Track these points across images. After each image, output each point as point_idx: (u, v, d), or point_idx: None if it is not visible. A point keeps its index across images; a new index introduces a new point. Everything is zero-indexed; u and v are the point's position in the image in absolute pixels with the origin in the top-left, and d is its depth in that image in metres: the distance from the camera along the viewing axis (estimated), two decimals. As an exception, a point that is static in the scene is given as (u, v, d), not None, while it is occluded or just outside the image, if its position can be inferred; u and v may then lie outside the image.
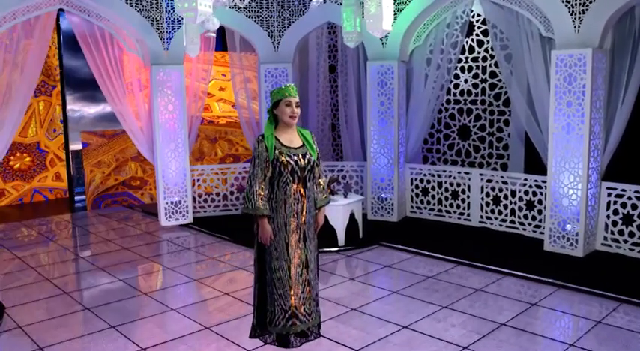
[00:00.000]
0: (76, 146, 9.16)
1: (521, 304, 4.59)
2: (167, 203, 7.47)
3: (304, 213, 3.73)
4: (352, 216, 6.45)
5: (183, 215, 7.56)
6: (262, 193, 3.63)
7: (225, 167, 8.16)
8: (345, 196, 6.48)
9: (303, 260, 3.74)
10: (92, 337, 4.07)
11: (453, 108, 7.72)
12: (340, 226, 6.28)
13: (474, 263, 5.57)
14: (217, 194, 8.04)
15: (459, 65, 7.56)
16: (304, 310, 3.75)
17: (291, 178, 3.66)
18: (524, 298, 4.70)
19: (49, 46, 7.08)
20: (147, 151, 7.55)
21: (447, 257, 5.80)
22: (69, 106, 9.19)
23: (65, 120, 9.33)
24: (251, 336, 3.95)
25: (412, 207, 7.58)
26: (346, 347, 3.85)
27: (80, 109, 9.28)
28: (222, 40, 8.90)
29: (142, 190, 9.27)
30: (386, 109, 7.19)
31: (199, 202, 7.92)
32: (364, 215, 7.35)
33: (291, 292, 3.70)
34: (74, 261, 6.10)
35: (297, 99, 3.67)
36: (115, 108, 7.45)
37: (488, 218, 6.78)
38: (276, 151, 3.63)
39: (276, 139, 3.68)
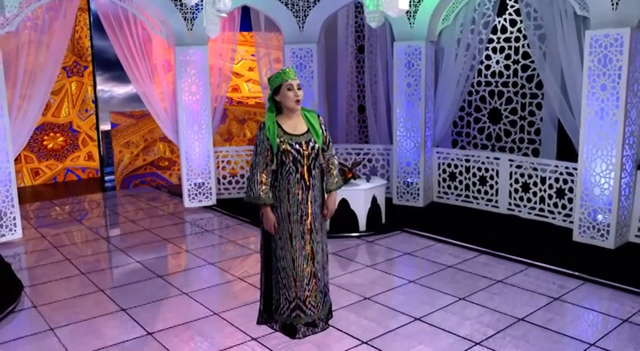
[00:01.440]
0: (105, 126, 9.27)
1: (544, 298, 4.38)
2: (190, 185, 7.48)
3: (309, 203, 3.61)
4: (375, 201, 6.31)
5: (207, 197, 7.56)
6: (264, 182, 3.53)
7: (250, 149, 8.10)
8: (368, 180, 6.33)
9: (309, 252, 3.63)
10: (102, 320, 4.10)
11: (484, 90, 7.42)
12: (361, 211, 6.15)
13: (498, 253, 5.36)
14: (242, 176, 7.99)
15: (491, 46, 7.23)
16: (309, 302, 3.66)
17: (294, 167, 3.53)
18: (548, 292, 4.49)
19: (73, 27, 7.11)
20: (171, 133, 7.55)
21: (470, 245, 5.61)
22: (99, 87, 9.29)
23: (96, 100, 9.44)
24: (258, 322, 3.91)
25: (439, 192, 7.37)
26: (353, 338, 3.75)
27: (110, 89, 9.36)
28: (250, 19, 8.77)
29: (170, 171, 9.33)
30: (413, 91, 6.96)
31: (223, 184, 7.90)
32: (389, 200, 7.20)
33: (295, 284, 3.61)
34: (96, 242, 6.17)
35: (298, 81, 3.53)
36: (139, 89, 7.45)
37: (517, 205, 6.52)
38: (278, 139, 3.51)
39: (279, 126, 3.54)
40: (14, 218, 6.07)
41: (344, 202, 6.08)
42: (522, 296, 4.42)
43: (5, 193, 5.97)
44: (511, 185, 6.55)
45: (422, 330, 3.87)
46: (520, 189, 6.46)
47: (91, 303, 4.42)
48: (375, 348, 3.62)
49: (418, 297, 4.46)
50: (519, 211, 6.49)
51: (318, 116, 3.69)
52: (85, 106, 9.75)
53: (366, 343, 3.69)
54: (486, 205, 6.85)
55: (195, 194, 7.52)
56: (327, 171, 3.76)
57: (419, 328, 3.89)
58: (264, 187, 3.52)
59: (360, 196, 6.10)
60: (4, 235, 6.01)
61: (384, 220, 6.41)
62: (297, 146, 3.52)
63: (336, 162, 3.81)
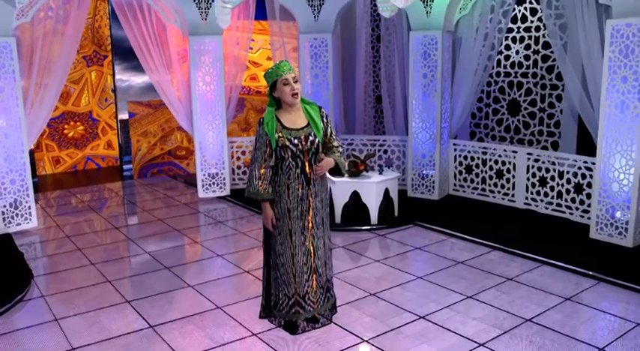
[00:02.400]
0: (124, 116, 9.34)
1: (554, 297, 4.25)
2: (205, 175, 7.48)
3: (310, 198, 3.55)
4: (388, 193, 6.21)
5: (221, 187, 7.55)
6: (263, 177, 3.48)
7: (265, 139, 8.04)
8: (380, 173, 6.24)
9: (309, 248, 3.58)
10: (105, 312, 4.12)
11: (503, 81, 7.22)
12: (373, 204, 6.06)
13: (512, 249, 5.24)
14: (256, 167, 7.96)
15: (510, 35, 7.02)
16: (309, 298, 3.62)
17: (294, 163, 3.48)
18: (559, 292, 4.36)
19: (93, 16, 7.11)
20: (186, 123, 7.55)
21: (482, 241, 5.49)
22: (117, 76, 9.34)
23: (115, 89, 9.51)
24: (261, 317, 3.89)
25: (455, 185, 7.23)
26: (355, 336, 3.69)
27: (128, 78, 9.41)
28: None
29: (187, 160, 9.36)
30: (429, 82, 6.81)
31: (238, 174, 7.89)
32: (404, 192, 7.10)
33: (295, 280, 3.56)
34: (109, 232, 6.21)
35: (293, 74, 3.44)
36: (154, 79, 7.46)
37: (534, 200, 6.35)
38: (277, 135, 3.45)
39: (279, 120, 3.48)
40: (29, 207, 6.15)
41: (355, 195, 6.01)
42: (533, 295, 4.31)
43: (21, 183, 6.04)
44: (528, 179, 6.39)
45: (426, 329, 3.79)
46: (537, 183, 6.29)
47: (97, 294, 4.45)
48: (376, 347, 3.56)
49: (425, 294, 4.38)
50: (536, 206, 6.32)
51: (320, 108, 3.61)
52: (104, 95, 9.82)
53: (367, 341, 3.64)
54: (503, 199, 6.70)
55: (210, 184, 7.52)
56: (329, 150, 3.65)
57: (423, 327, 3.82)
58: (263, 182, 3.48)
59: (371, 188, 6.02)
60: (19, 224, 6.10)
61: (396, 214, 6.32)
62: (296, 141, 3.46)
63: (342, 150, 3.70)
